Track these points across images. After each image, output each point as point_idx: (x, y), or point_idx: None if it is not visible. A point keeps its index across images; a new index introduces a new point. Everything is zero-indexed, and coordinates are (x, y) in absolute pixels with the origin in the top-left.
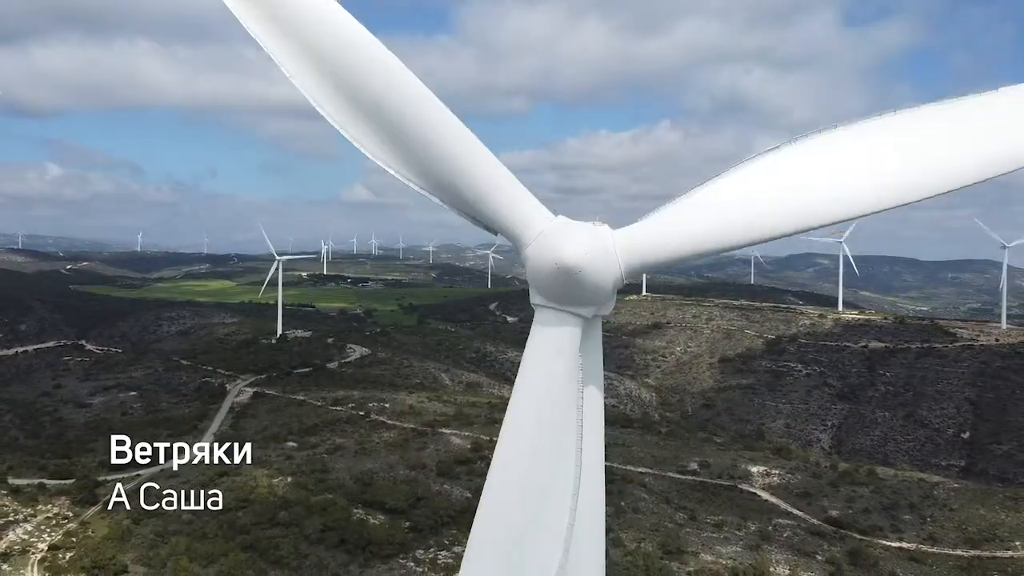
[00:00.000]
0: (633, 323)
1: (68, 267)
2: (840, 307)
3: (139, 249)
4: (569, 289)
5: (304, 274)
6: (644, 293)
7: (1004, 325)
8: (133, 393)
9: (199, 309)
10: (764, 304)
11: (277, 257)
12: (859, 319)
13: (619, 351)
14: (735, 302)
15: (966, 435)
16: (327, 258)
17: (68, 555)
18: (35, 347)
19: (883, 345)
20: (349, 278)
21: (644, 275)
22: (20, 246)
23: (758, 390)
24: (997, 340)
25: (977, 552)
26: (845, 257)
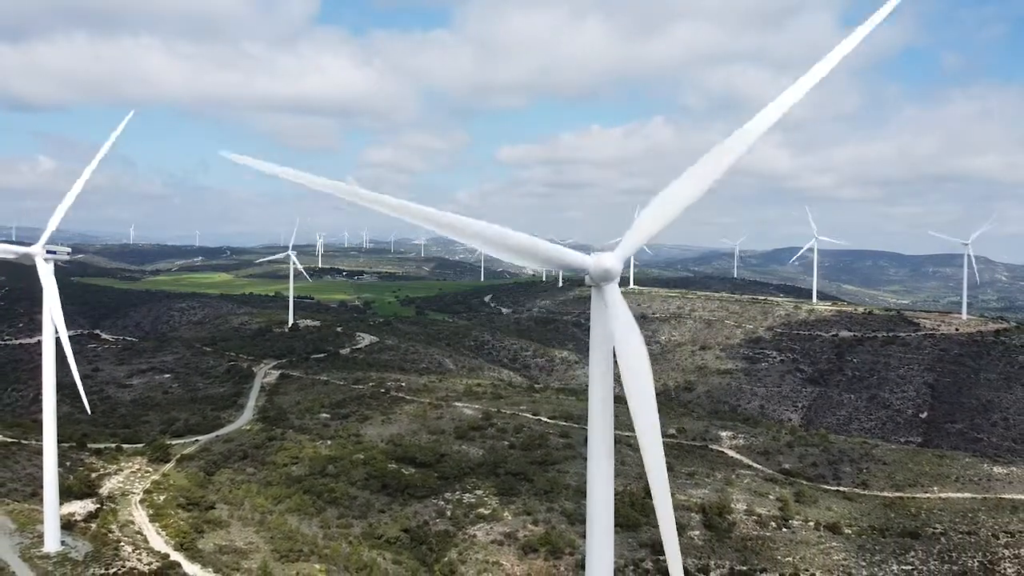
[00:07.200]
0: None
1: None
2: (814, 299)
3: (131, 242)
4: (606, 275)
5: (300, 267)
6: (632, 285)
7: (964, 316)
8: (168, 375)
9: (207, 301)
10: (744, 296)
11: (290, 252)
12: (831, 310)
13: None
14: (716, 294)
15: (924, 415)
16: (321, 251)
17: (162, 497)
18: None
19: (852, 334)
20: (344, 271)
21: (632, 270)
22: (15, 239)
23: (735, 375)
24: (957, 329)
25: (900, 494)
26: (820, 251)
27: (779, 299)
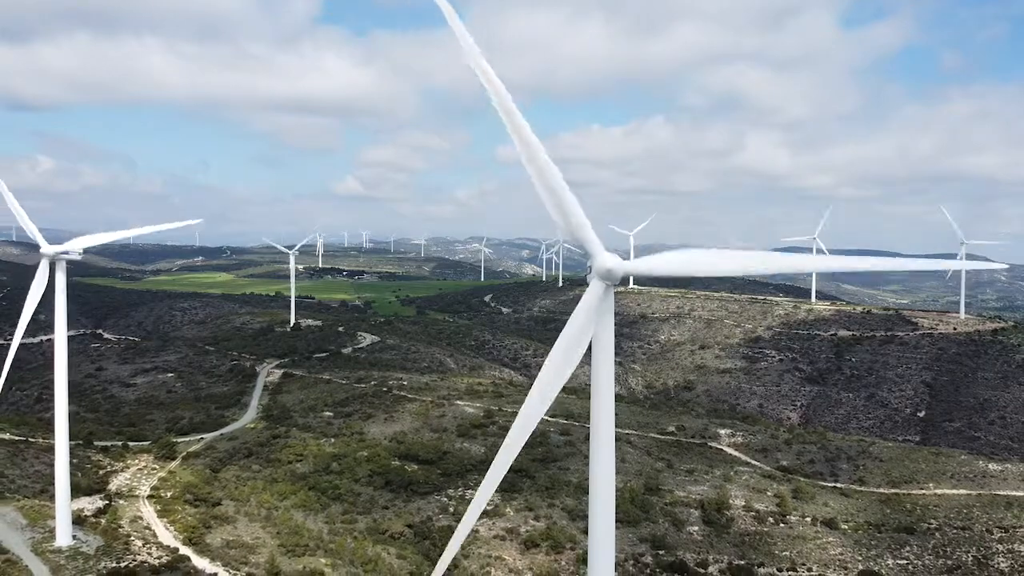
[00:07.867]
0: (621, 313)
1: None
2: (813, 298)
3: (131, 241)
4: (607, 275)
5: (301, 267)
6: (632, 285)
7: (962, 315)
8: (171, 375)
9: (209, 300)
10: (743, 296)
11: (289, 252)
12: (830, 309)
13: None
14: (716, 294)
15: (922, 414)
16: (321, 251)
17: (169, 494)
18: None
19: (850, 333)
20: (344, 271)
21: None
22: (15, 239)
23: (735, 374)
24: (955, 329)
25: (896, 490)
26: (819, 251)
27: (778, 299)
